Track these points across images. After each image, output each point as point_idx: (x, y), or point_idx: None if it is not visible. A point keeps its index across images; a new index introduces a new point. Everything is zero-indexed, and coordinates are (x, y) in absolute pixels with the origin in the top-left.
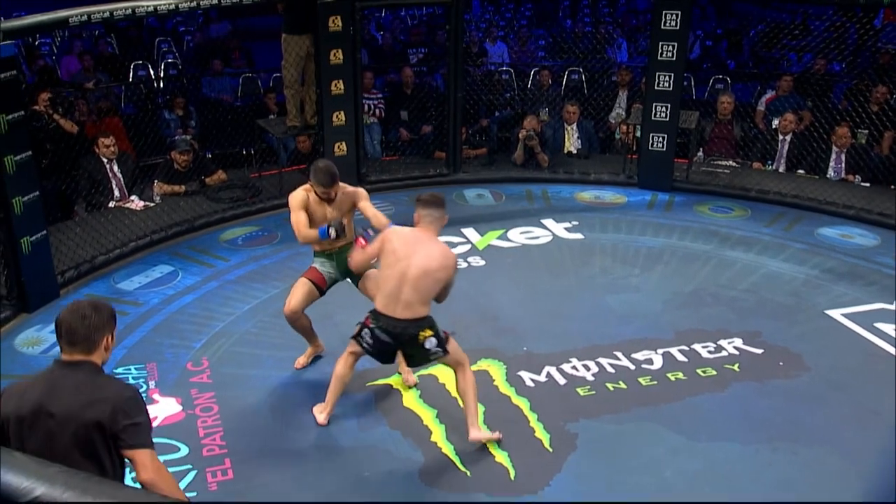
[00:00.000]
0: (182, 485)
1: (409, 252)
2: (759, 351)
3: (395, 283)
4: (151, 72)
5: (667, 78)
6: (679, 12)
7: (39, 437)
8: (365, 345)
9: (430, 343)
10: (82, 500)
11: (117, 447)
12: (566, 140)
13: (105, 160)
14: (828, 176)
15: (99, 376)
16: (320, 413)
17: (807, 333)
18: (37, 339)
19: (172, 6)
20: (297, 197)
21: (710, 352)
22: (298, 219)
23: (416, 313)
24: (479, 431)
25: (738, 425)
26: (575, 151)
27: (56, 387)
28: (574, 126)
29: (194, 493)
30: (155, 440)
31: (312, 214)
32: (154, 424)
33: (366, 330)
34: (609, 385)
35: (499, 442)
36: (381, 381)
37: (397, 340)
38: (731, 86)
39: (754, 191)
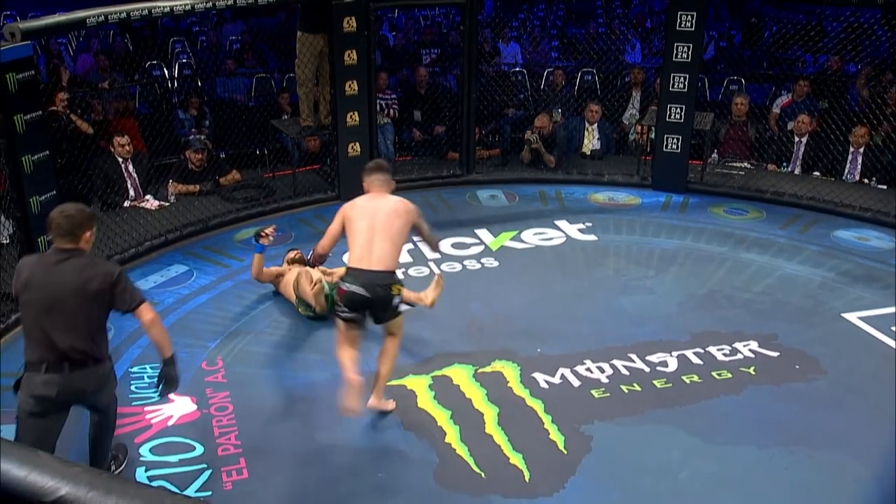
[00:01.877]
0: (197, 484)
1: (372, 208)
2: (775, 354)
3: (366, 239)
4: (166, 72)
5: (681, 79)
6: (694, 13)
7: (60, 307)
8: (341, 312)
9: (397, 300)
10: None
11: (112, 309)
12: (586, 139)
13: (120, 159)
14: (844, 178)
15: (90, 259)
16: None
17: (823, 337)
18: None
19: (188, 6)
20: None
21: (725, 354)
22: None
23: (388, 266)
24: (378, 401)
25: (754, 428)
26: (588, 153)
27: (60, 269)
28: (595, 126)
29: (209, 493)
30: (170, 439)
31: None
32: (169, 423)
33: (340, 299)
34: (624, 387)
35: (391, 411)
36: (394, 382)
37: (372, 292)
38: (746, 87)
39: (769, 193)
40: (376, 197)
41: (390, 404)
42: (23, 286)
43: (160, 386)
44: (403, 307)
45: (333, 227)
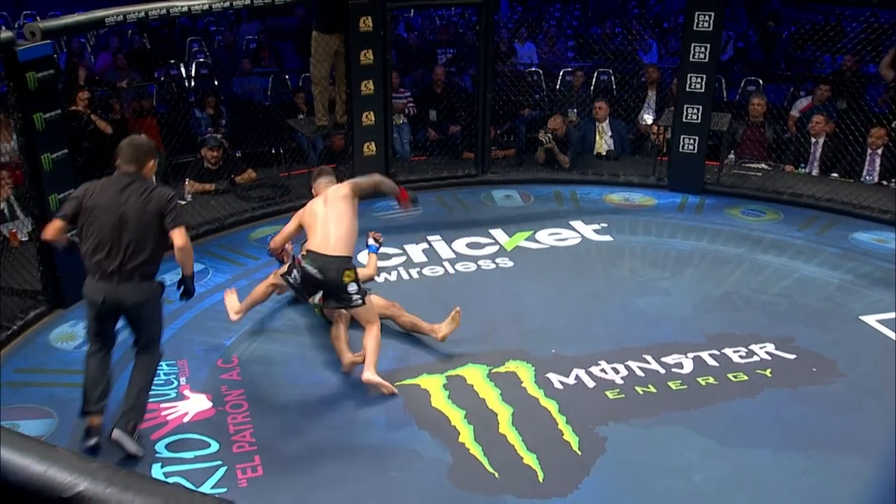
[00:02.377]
0: (212, 481)
1: (322, 200)
2: (792, 356)
3: (323, 227)
4: (183, 71)
5: (699, 80)
6: (712, 13)
7: (126, 221)
8: (291, 280)
9: (352, 288)
10: (125, 495)
11: (165, 225)
12: (597, 139)
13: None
14: (862, 179)
15: (149, 184)
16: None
17: (841, 339)
18: (71, 334)
19: (206, 6)
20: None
21: (741, 356)
22: None
23: (343, 251)
24: (373, 375)
25: (771, 431)
26: (604, 153)
27: (124, 191)
28: (605, 125)
29: (224, 490)
30: (186, 436)
31: None
32: (185, 420)
33: (296, 268)
34: (638, 388)
35: (392, 395)
36: (408, 381)
37: (325, 275)
38: (763, 88)
39: (787, 194)
40: (326, 192)
41: (386, 386)
42: (89, 204)
43: (179, 290)
44: (357, 296)
45: (289, 227)
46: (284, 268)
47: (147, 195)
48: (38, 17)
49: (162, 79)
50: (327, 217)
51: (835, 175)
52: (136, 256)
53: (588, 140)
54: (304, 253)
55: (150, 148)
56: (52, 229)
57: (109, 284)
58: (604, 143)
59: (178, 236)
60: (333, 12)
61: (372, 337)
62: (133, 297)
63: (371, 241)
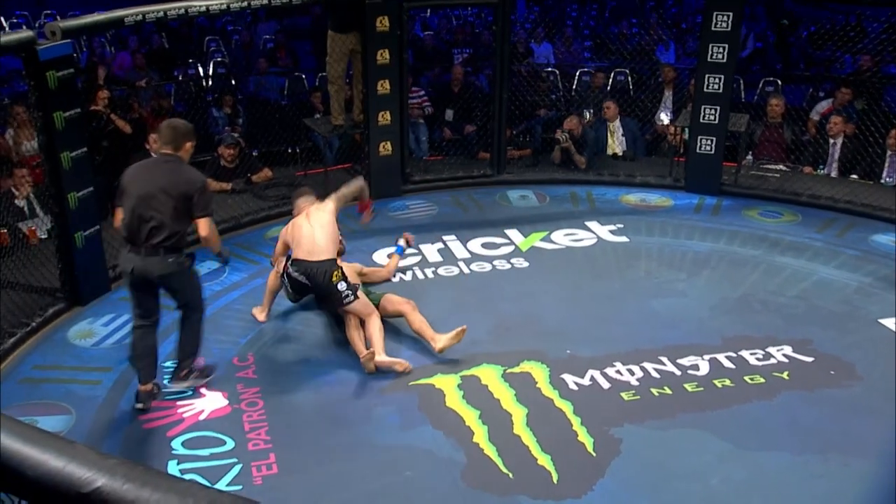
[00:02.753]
0: (227, 478)
1: (305, 216)
2: (810, 359)
3: (307, 238)
4: (200, 70)
5: (716, 80)
6: (730, 13)
7: (157, 198)
8: (284, 284)
9: (342, 286)
10: (142, 491)
11: (192, 212)
12: (609, 139)
13: (155, 156)
14: (882, 181)
15: (185, 166)
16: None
17: (859, 342)
18: (89, 331)
19: (224, 6)
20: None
21: (758, 359)
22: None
23: (327, 255)
24: (384, 357)
25: (788, 434)
26: (620, 153)
27: (159, 169)
28: (616, 123)
29: (239, 487)
30: (202, 433)
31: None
32: (201, 418)
33: (284, 275)
34: (654, 390)
35: (405, 372)
36: (423, 381)
37: (313, 281)
38: (782, 88)
39: (805, 195)
40: (309, 209)
41: (399, 362)
42: (127, 182)
43: (218, 257)
44: (348, 292)
45: (278, 248)
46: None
47: (180, 177)
48: (58, 17)
49: (180, 78)
50: (311, 228)
51: (854, 177)
52: (160, 232)
53: (603, 140)
54: (289, 263)
55: (188, 130)
56: (116, 219)
57: (137, 256)
58: (616, 142)
59: (203, 226)
60: (347, 12)
61: (373, 326)
62: (158, 269)
63: (401, 242)
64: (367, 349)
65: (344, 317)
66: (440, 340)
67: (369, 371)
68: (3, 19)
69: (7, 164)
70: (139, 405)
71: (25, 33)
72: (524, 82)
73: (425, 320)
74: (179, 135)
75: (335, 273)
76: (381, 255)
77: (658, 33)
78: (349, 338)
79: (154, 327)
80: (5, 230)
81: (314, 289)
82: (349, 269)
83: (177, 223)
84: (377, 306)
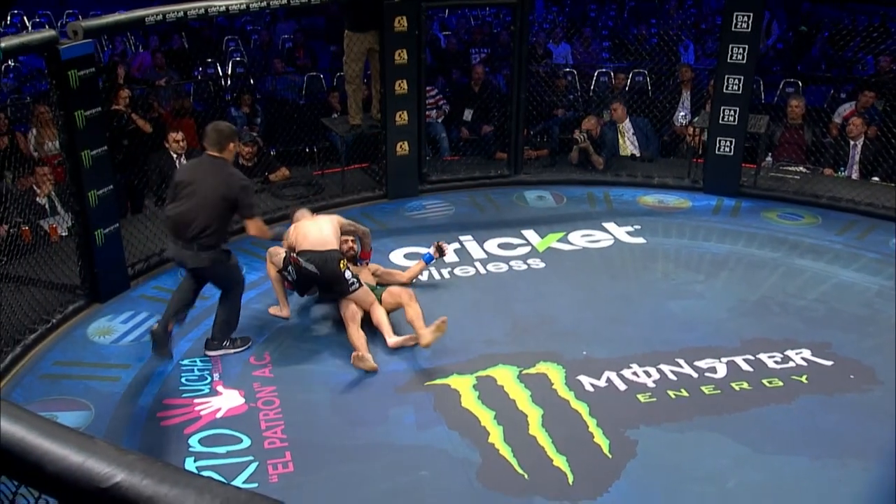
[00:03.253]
0: (243, 476)
1: (311, 219)
2: (829, 363)
3: (316, 230)
4: (219, 69)
5: (736, 81)
6: (751, 14)
7: (196, 197)
8: (287, 275)
9: (348, 274)
10: (160, 487)
11: (235, 212)
12: (620, 140)
13: (175, 155)
14: None
15: (229, 168)
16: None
17: (879, 346)
18: (108, 328)
19: (243, 6)
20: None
21: (776, 362)
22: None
23: (333, 245)
24: (395, 338)
25: (806, 439)
26: (638, 154)
27: (203, 169)
28: (626, 124)
29: (255, 485)
30: (219, 431)
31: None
32: (217, 416)
33: (291, 266)
34: (671, 392)
35: (416, 343)
36: (439, 382)
37: (322, 269)
38: (803, 89)
39: (825, 198)
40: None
41: (411, 337)
42: (177, 180)
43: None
44: (353, 279)
45: (283, 246)
46: (281, 254)
47: (223, 178)
48: (79, 17)
49: (199, 77)
50: (317, 225)
51: (875, 179)
52: (196, 228)
53: (615, 141)
54: (296, 254)
55: (231, 132)
56: (166, 207)
57: (176, 247)
58: (627, 143)
59: (251, 227)
60: (364, 11)
61: (379, 313)
62: (192, 262)
63: (432, 250)
64: (366, 351)
65: (343, 314)
66: (425, 336)
67: (369, 370)
68: (25, 19)
69: (27, 162)
70: (146, 338)
71: (48, 33)
72: (542, 82)
73: (421, 314)
74: (223, 137)
75: (341, 261)
76: (397, 255)
77: (677, 33)
78: (348, 335)
79: (198, 286)
80: (27, 227)
81: (321, 277)
82: (364, 268)
83: (213, 221)
84: (380, 300)
